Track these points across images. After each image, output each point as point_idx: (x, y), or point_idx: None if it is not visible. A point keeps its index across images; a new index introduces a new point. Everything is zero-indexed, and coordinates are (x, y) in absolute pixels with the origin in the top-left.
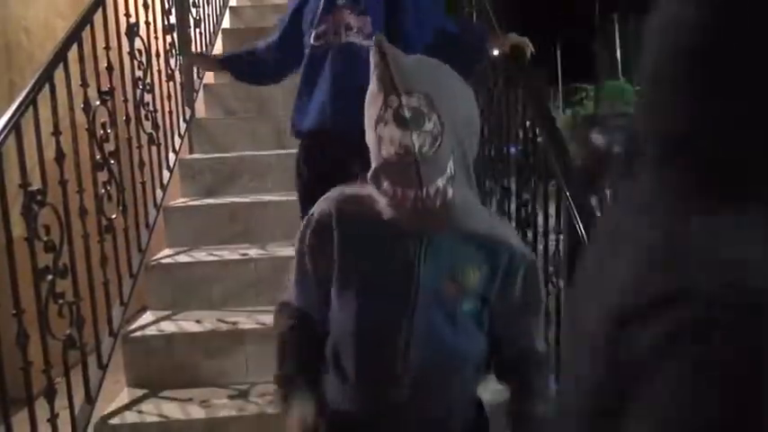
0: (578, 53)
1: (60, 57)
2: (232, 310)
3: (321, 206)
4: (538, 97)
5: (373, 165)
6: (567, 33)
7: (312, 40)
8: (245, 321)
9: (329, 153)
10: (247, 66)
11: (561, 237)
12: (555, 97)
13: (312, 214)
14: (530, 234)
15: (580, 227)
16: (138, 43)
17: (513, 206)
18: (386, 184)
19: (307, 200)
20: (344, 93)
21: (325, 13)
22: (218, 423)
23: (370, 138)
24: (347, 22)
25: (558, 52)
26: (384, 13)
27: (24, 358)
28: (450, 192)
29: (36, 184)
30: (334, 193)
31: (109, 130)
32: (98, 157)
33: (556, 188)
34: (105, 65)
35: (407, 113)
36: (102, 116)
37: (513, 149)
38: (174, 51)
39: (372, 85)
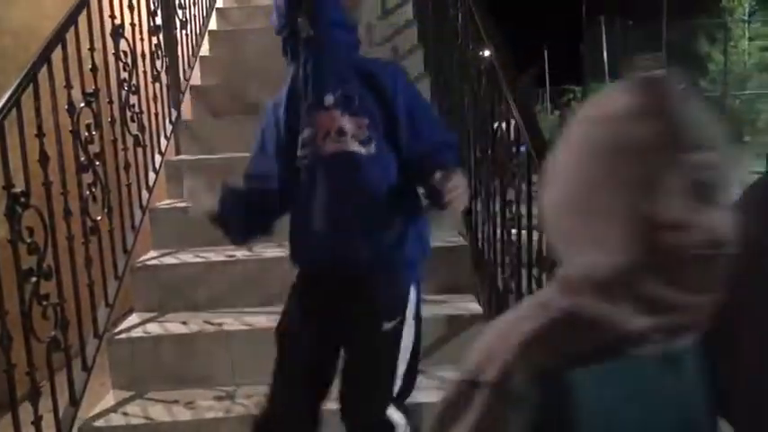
0: (565, 55)
1: (44, 58)
2: (218, 312)
3: (501, 368)
4: (522, 99)
5: (627, 255)
6: (554, 35)
7: (299, 150)
8: (232, 323)
9: (325, 289)
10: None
11: (545, 236)
12: (542, 99)
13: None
14: (514, 233)
15: None
16: (123, 44)
17: (497, 206)
18: (652, 288)
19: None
20: (344, 220)
21: (309, 115)
22: (205, 424)
23: (613, 215)
24: (339, 126)
25: (546, 54)
26: (382, 115)
27: (8, 360)
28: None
29: (20, 186)
30: (507, 332)
31: (94, 132)
32: (83, 158)
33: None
34: (90, 66)
35: (710, 180)
36: (87, 118)
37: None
38: (159, 53)
39: (627, 136)
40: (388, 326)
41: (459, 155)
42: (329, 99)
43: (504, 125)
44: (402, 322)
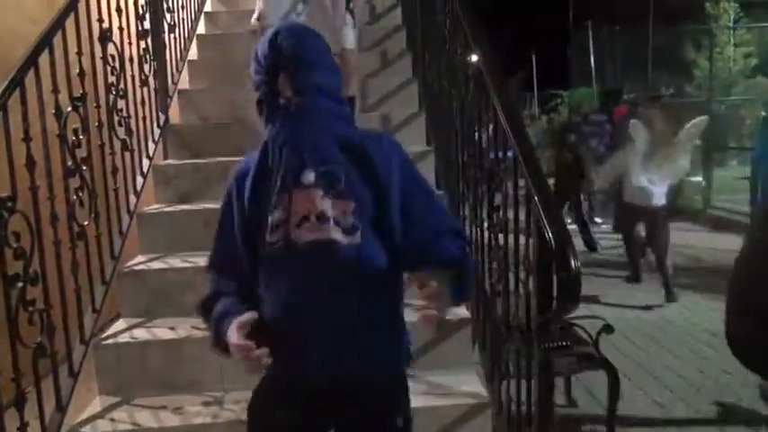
0: (553, 59)
1: (31, 62)
2: None
3: None
4: (508, 104)
5: None
6: (542, 40)
7: (267, 235)
8: None
9: (297, 405)
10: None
11: (531, 240)
12: (530, 103)
13: None
14: (501, 238)
15: (548, 232)
16: (111, 48)
17: (485, 211)
18: None
19: None
20: (322, 323)
21: (283, 193)
22: (193, 430)
23: None
24: (321, 210)
25: (534, 58)
26: (371, 197)
27: None
28: None
29: (6, 191)
30: None
31: (81, 136)
32: (70, 163)
33: (526, 193)
34: (78, 70)
35: None
36: (75, 122)
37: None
38: (147, 57)
39: None
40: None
41: (464, 239)
42: (309, 176)
43: (491, 130)
44: (410, 422)
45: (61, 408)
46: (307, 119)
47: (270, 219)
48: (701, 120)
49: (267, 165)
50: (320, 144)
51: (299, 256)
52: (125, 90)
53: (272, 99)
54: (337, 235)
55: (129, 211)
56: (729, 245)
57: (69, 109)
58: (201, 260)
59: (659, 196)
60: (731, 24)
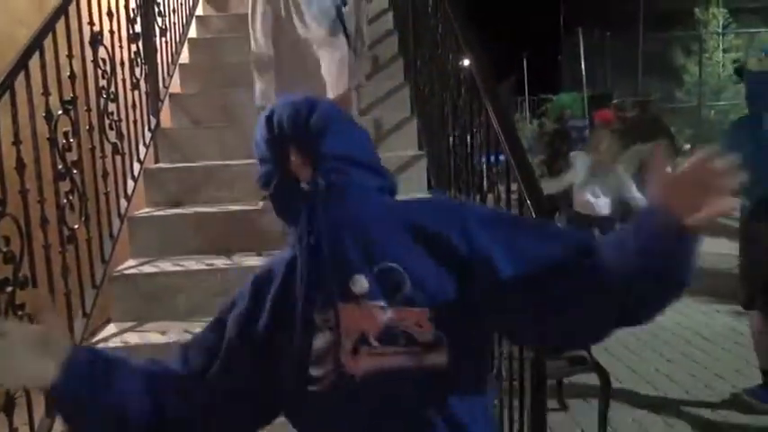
0: (544, 65)
1: (21, 65)
2: (198, 321)
3: None
4: (501, 108)
5: None
6: (534, 45)
7: (312, 369)
8: None
9: None
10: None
11: None
12: (522, 108)
13: None
14: None
15: None
16: (102, 52)
17: None
18: None
19: None
20: None
21: (327, 307)
22: None
23: None
24: (383, 327)
25: (525, 63)
26: (453, 287)
27: None
28: None
29: None
30: None
31: (71, 140)
32: (60, 166)
33: (518, 197)
34: (68, 73)
35: None
36: (65, 125)
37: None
38: (138, 60)
39: None
40: None
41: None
42: (361, 283)
43: (482, 134)
44: None
45: (51, 413)
46: (339, 202)
47: (312, 346)
48: (642, 148)
49: (297, 274)
50: (367, 234)
51: (359, 392)
52: (116, 93)
53: (290, 188)
54: (412, 358)
55: (119, 214)
56: (718, 248)
57: (60, 112)
58: (193, 264)
59: (603, 206)
60: (720, 30)
